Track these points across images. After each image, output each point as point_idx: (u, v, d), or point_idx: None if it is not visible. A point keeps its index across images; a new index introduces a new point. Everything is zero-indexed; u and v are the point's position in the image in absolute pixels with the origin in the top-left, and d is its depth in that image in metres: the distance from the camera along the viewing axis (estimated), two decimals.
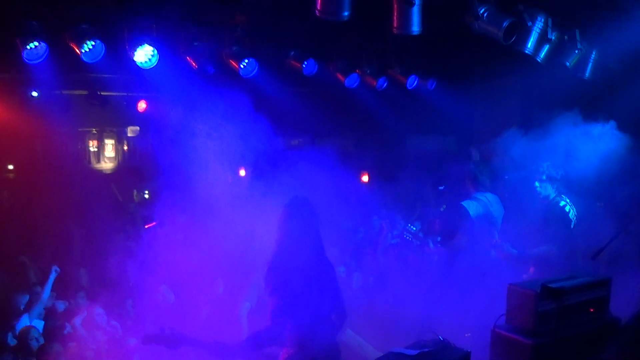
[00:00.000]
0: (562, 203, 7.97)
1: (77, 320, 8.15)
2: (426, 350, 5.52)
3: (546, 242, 7.92)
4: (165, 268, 8.21)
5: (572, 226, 7.93)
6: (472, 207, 8.64)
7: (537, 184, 8.13)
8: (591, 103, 8.40)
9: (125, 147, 11.84)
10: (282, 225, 5.52)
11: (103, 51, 8.42)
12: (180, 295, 8.48)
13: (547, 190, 8.10)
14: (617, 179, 8.07)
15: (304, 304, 5.26)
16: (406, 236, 9.37)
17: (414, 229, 9.21)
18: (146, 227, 8.02)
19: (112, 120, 11.29)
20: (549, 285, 5.76)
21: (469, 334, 7.62)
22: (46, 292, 8.30)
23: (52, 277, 8.33)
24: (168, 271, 8.18)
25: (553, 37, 8.95)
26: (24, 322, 7.85)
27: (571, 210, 7.96)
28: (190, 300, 8.44)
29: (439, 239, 9.18)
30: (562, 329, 5.79)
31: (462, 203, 8.73)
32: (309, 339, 5.27)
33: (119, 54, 8.89)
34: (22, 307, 8.19)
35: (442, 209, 10.20)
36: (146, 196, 10.44)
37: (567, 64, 9.23)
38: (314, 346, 5.26)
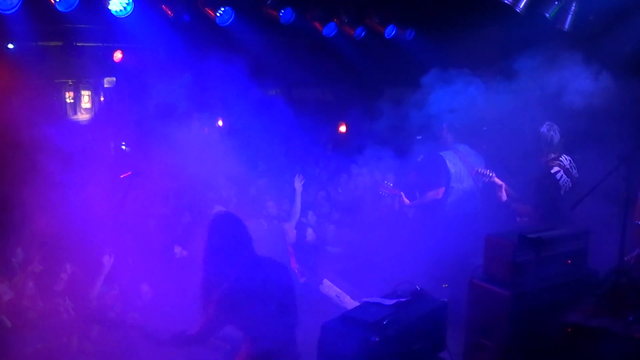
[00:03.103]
0: (555, 169, 7.77)
1: None
2: (403, 300, 5.57)
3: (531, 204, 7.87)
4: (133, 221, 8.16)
5: (562, 193, 7.61)
6: (449, 157, 8.66)
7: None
8: (571, 55, 8.37)
9: (102, 98, 11.72)
10: (209, 242, 5.18)
11: (77, 0, 8.27)
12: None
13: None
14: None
15: (250, 317, 4.99)
16: (381, 192, 9.42)
17: (391, 184, 9.25)
18: (121, 177, 7.95)
19: (88, 71, 11.14)
20: (527, 235, 5.80)
21: (447, 285, 7.71)
22: None
23: None
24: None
25: None
26: None
27: (563, 177, 7.62)
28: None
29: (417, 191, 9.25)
30: (540, 280, 5.85)
31: (440, 153, 8.74)
32: (260, 337, 5.04)
33: (94, 3, 8.74)
34: None
35: (419, 159, 10.22)
36: (123, 147, 10.39)
37: (547, 15, 9.17)
38: (267, 342, 5.02)
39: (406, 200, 9.01)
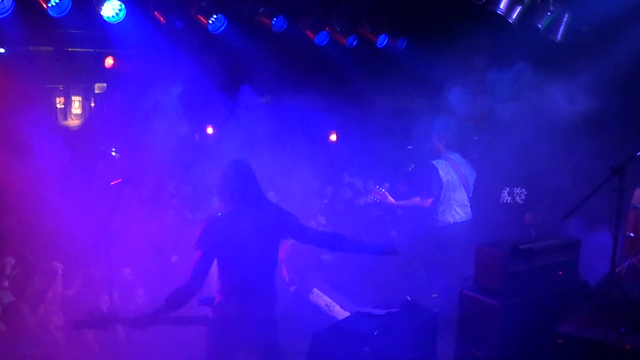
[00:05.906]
0: None
1: None
2: (394, 310, 5.56)
3: None
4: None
5: None
6: (441, 166, 8.61)
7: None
8: (562, 66, 8.40)
9: (93, 104, 11.68)
10: (221, 187, 5.30)
11: (69, 5, 8.24)
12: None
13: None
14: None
15: (234, 268, 5.12)
16: (374, 198, 9.35)
17: (382, 190, 9.17)
18: (111, 184, 7.92)
19: (79, 76, 11.12)
20: (519, 246, 5.79)
21: (436, 295, 7.69)
22: None
23: None
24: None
25: None
26: None
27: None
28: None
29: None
30: (531, 290, 5.83)
31: (432, 162, 8.70)
32: (231, 303, 5.15)
33: (86, 9, 8.71)
34: None
35: (409, 169, 10.20)
36: (113, 153, 10.36)
37: (539, 26, 9.18)
38: (236, 309, 5.10)
39: (391, 199, 8.93)
